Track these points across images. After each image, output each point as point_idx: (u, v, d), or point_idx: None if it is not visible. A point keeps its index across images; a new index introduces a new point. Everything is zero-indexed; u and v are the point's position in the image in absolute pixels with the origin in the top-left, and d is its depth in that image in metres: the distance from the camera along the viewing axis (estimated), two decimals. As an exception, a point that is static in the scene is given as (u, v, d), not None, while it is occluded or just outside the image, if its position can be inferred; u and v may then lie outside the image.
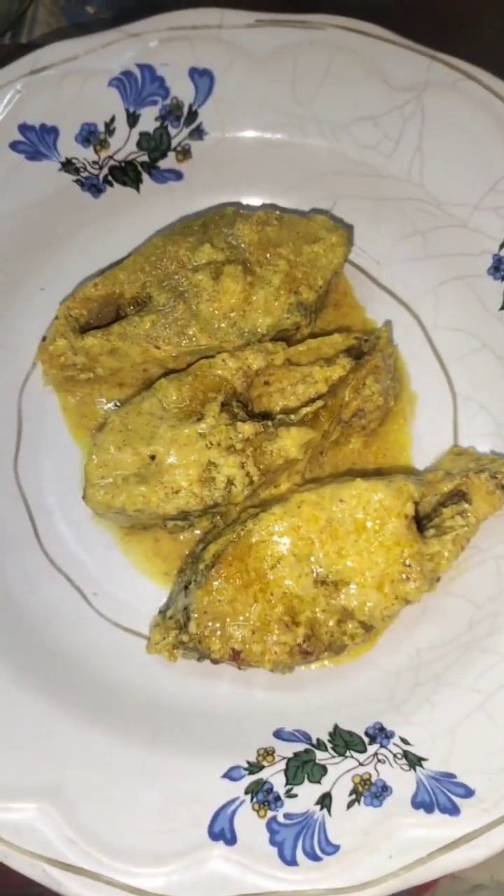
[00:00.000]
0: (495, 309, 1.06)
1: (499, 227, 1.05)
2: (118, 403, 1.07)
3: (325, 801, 0.86)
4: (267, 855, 0.83)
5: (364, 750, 0.89)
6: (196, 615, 0.90)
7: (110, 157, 1.08)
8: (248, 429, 0.94)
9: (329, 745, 0.89)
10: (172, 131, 1.09)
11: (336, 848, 0.83)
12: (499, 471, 0.98)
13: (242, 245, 1.03)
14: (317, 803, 0.86)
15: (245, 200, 1.14)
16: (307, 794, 0.86)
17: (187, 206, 1.13)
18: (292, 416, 0.98)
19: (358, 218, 1.13)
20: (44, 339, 1.06)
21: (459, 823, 0.83)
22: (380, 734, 0.89)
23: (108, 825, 0.84)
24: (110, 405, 1.07)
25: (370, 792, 0.86)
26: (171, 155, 1.10)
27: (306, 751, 0.89)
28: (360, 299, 1.14)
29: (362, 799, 0.85)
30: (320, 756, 0.89)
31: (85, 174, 1.08)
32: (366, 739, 0.89)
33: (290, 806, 0.85)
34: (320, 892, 0.81)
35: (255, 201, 1.14)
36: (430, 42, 1.07)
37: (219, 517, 0.98)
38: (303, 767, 0.88)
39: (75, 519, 1.04)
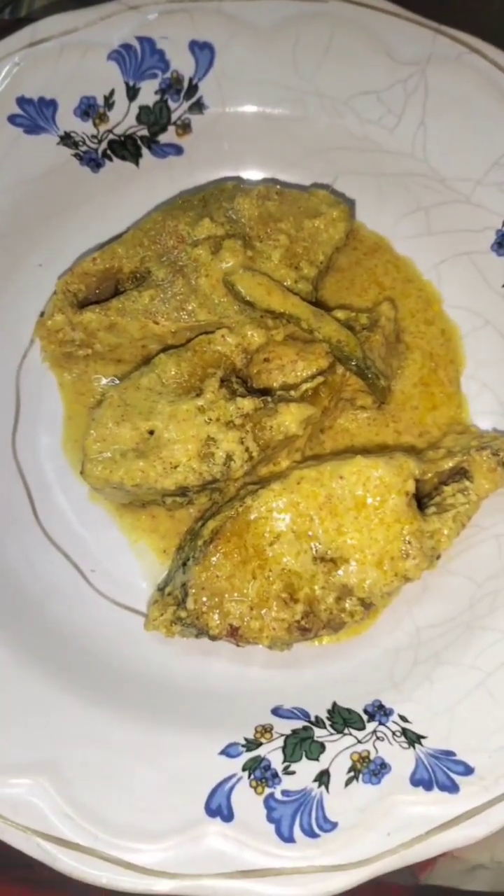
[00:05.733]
0: (498, 285, 1.05)
1: (502, 202, 1.04)
2: (116, 380, 1.06)
3: (323, 778, 0.85)
4: (264, 832, 0.82)
5: (363, 727, 0.88)
6: (194, 591, 0.89)
7: (109, 131, 1.07)
8: (247, 404, 0.93)
9: (328, 723, 0.89)
10: (172, 105, 1.08)
11: (334, 825, 0.82)
12: (501, 448, 0.97)
13: (242, 220, 1.02)
14: (315, 780, 0.85)
15: (245, 175, 1.13)
16: (305, 772, 0.85)
17: (187, 181, 1.12)
18: (292, 392, 0.97)
19: (360, 193, 1.12)
20: (42, 314, 1.05)
21: (458, 801, 0.82)
22: (379, 712, 0.89)
23: (105, 801, 0.83)
24: (107, 381, 1.06)
25: (369, 769, 0.85)
26: (171, 129, 1.09)
27: (305, 728, 0.88)
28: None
29: (360, 776, 0.85)
30: (319, 733, 0.88)
31: (84, 148, 1.07)
32: (365, 717, 0.89)
33: (287, 783, 0.85)
34: (317, 869, 0.80)
35: (256, 176, 1.13)
36: (433, 15, 1.06)
37: (217, 493, 0.97)
38: (301, 745, 0.87)
39: (73, 496, 1.03)
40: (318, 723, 0.89)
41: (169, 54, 1.06)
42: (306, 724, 0.89)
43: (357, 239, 1.12)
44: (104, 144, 1.08)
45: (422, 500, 0.97)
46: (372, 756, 0.86)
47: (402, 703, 0.89)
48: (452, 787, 0.83)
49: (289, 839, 0.82)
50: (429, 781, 0.83)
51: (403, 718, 0.88)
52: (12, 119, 1.04)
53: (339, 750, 0.86)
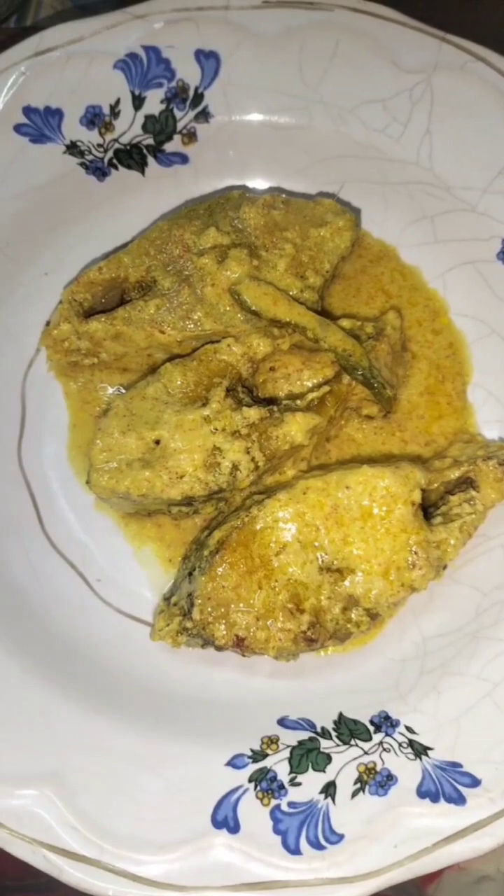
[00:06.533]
0: (504, 294, 1.05)
1: (508, 211, 1.04)
2: (122, 389, 1.06)
3: (329, 789, 0.85)
4: (270, 843, 0.82)
5: (369, 738, 0.88)
6: (200, 601, 0.89)
7: (115, 140, 1.07)
8: (253, 414, 0.93)
9: (334, 734, 0.89)
10: (178, 114, 1.08)
11: (340, 837, 0.82)
12: (507, 458, 0.97)
13: (248, 229, 1.02)
14: (321, 792, 0.85)
15: (251, 184, 1.13)
16: (311, 783, 0.85)
17: (193, 190, 1.12)
18: (298, 402, 0.97)
19: (365, 202, 1.12)
20: (47, 323, 1.05)
21: (465, 813, 0.82)
22: (385, 723, 0.88)
23: (110, 812, 0.83)
24: (113, 390, 1.06)
25: (375, 781, 0.85)
26: (177, 138, 1.09)
27: (311, 739, 0.88)
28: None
29: (367, 788, 0.84)
30: (325, 744, 0.88)
31: (89, 157, 1.07)
32: (371, 728, 0.88)
33: (294, 794, 0.85)
34: (324, 882, 0.80)
35: (262, 185, 1.13)
36: (438, 23, 1.05)
37: (223, 503, 0.97)
38: (307, 756, 0.87)
39: (79, 505, 1.03)
40: (325, 734, 0.89)
41: (175, 63, 1.06)
42: (312, 734, 0.89)
43: (363, 247, 1.12)
44: (110, 153, 1.08)
45: (428, 509, 0.96)
46: (378, 767, 0.85)
47: (409, 714, 0.89)
48: (459, 799, 0.83)
49: (295, 851, 0.82)
50: (435, 793, 0.83)
51: (410, 729, 0.88)
52: (18, 128, 1.04)
53: (345, 761, 0.86)
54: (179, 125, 1.08)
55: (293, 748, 0.88)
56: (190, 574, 0.94)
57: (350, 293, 1.11)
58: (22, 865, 0.88)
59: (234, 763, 0.86)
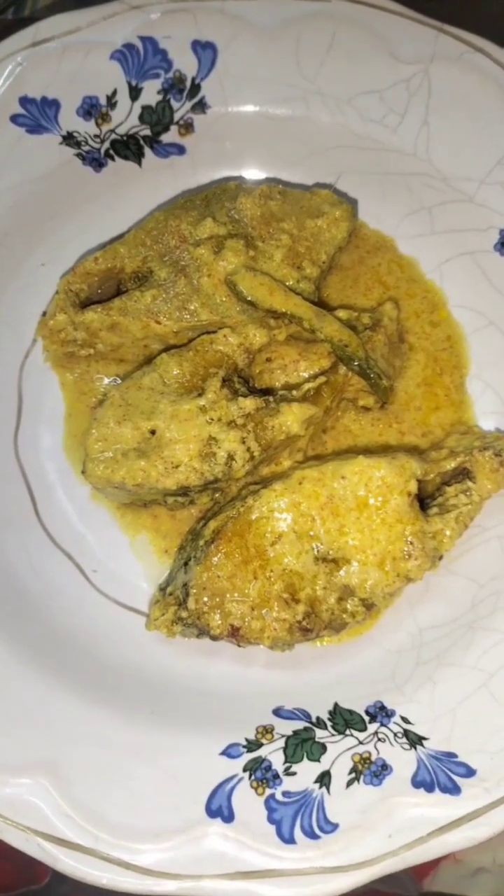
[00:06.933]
0: (502, 285, 1.05)
1: (506, 202, 1.03)
2: (118, 379, 1.06)
3: (324, 779, 0.85)
4: (265, 833, 0.82)
5: (364, 728, 0.87)
6: (195, 591, 0.89)
7: (112, 131, 1.07)
8: (249, 404, 0.93)
9: (329, 724, 0.88)
10: (175, 105, 1.07)
11: (335, 826, 0.82)
12: (503, 448, 0.96)
13: (244, 219, 1.02)
14: (316, 781, 0.85)
15: (248, 175, 1.13)
16: (306, 773, 0.85)
17: (189, 181, 1.12)
18: (294, 392, 0.97)
19: (363, 193, 1.12)
20: (44, 314, 1.05)
21: (460, 803, 0.82)
22: (380, 713, 0.88)
23: (105, 801, 0.83)
24: (109, 381, 1.06)
25: (370, 771, 0.85)
26: (174, 129, 1.09)
27: (306, 729, 0.88)
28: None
29: (362, 777, 0.84)
30: (320, 734, 0.88)
31: (86, 148, 1.07)
32: (366, 718, 0.88)
33: (288, 784, 0.85)
34: (318, 871, 0.80)
35: (258, 175, 1.13)
36: (435, 14, 1.05)
37: (219, 493, 0.97)
38: (302, 745, 0.87)
39: (75, 496, 1.03)
40: (320, 724, 0.89)
41: (171, 54, 1.06)
42: (307, 724, 0.89)
43: (360, 238, 1.12)
44: (106, 144, 1.08)
45: (424, 500, 0.96)
46: (373, 757, 0.85)
47: (404, 705, 0.88)
48: (454, 789, 0.82)
49: (289, 840, 0.81)
50: (430, 783, 0.83)
51: (405, 720, 0.87)
52: (15, 119, 1.04)
53: (340, 751, 0.86)
54: (176, 116, 1.08)
55: (288, 738, 0.87)
56: (185, 564, 0.94)
57: (347, 284, 1.11)
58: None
59: (229, 752, 0.86)
